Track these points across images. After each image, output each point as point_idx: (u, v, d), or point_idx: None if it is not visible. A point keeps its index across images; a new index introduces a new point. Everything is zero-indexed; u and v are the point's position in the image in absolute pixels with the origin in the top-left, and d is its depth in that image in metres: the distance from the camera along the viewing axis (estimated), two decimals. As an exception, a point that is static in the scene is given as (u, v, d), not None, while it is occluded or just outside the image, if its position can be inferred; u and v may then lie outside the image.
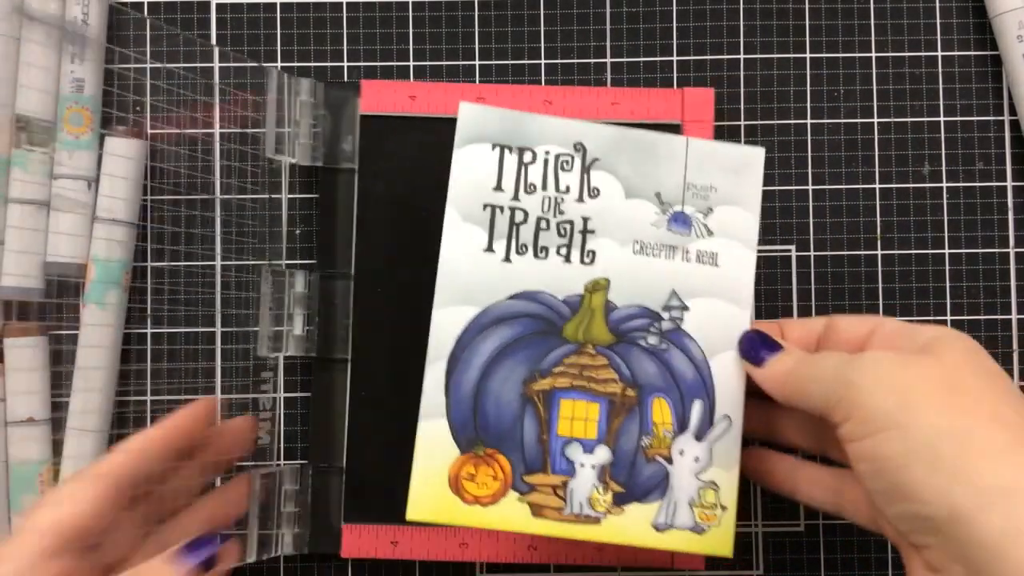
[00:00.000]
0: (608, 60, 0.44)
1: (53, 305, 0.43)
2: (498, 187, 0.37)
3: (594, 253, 0.37)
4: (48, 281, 0.43)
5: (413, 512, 0.36)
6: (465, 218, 0.37)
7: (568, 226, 0.37)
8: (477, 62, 0.44)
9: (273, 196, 0.43)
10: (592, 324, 0.37)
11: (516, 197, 0.37)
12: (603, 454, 0.37)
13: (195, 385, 0.44)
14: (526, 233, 0.37)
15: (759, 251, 0.44)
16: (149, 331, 0.44)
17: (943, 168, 0.44)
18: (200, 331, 0.44)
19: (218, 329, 0.44)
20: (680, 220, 0.37)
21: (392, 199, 0.43)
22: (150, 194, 0.44)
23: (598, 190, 0.38)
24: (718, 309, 0.37)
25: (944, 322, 0.44)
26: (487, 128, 0.38)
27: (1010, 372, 0.44)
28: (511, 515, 0.36)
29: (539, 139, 0.38)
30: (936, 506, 0.28)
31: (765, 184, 0.44)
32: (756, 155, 0.38)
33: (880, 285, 0.44)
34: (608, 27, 0.44)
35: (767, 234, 0.44)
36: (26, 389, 0.42)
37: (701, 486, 0.37)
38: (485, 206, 0.37)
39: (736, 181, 0.38)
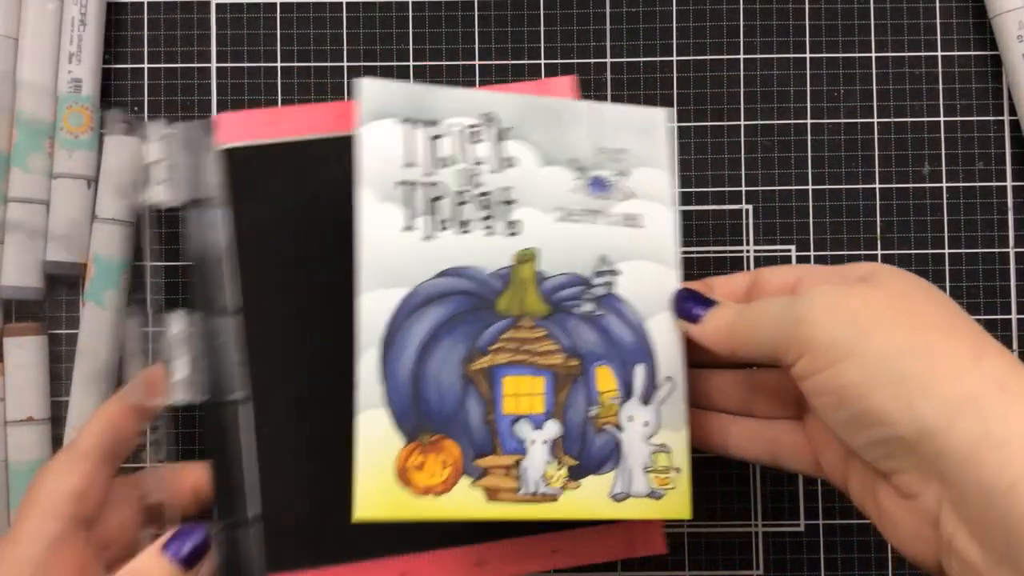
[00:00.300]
0: (608, 60, 0.44)
1: (52, 304, 0.43)
2: (410, 163, 0.36)
3: (518, 223, 0.36)
4: (47, 280, 0.43)
5: (361, 510, 0.33)
6: (380, 198, 0.35)
7: (488, 198, 0.36)
8: (477, 62, 0.44)
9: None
10: (525, 296, 0.36)
11: (430, 172, 0.36)
12: (553, 428, 0.35)
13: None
14: (445, 209, 0.36)
15: (756, 251, 0.44)
16: (149, 331, 0.44)
17: (943, 168, 0.44)
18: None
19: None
20: (598, 184, 0.37)
21: (277, 226, 0.39)
22: (149, 194, 0.44)
23: (514, 160, 0.36)
24: (647, 271, 0.37)
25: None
26: (391, 103, 0.36)
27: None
28: (465, 502, 0.34)
29: (446, 111, 0.36)
30: (904, 425, 0.28)
31: (765, 184, 0.44)
32: (657, 116, 0.38)
33: (880, 285, 0.44)
34: (608, 27, 0.44)
35: (767, 234, 0.44)
36: (26, 388, 0.42)
37: (653, 450, 0.36)
38: (398, 183, 0.35)
39: (645, 142, 0.37)
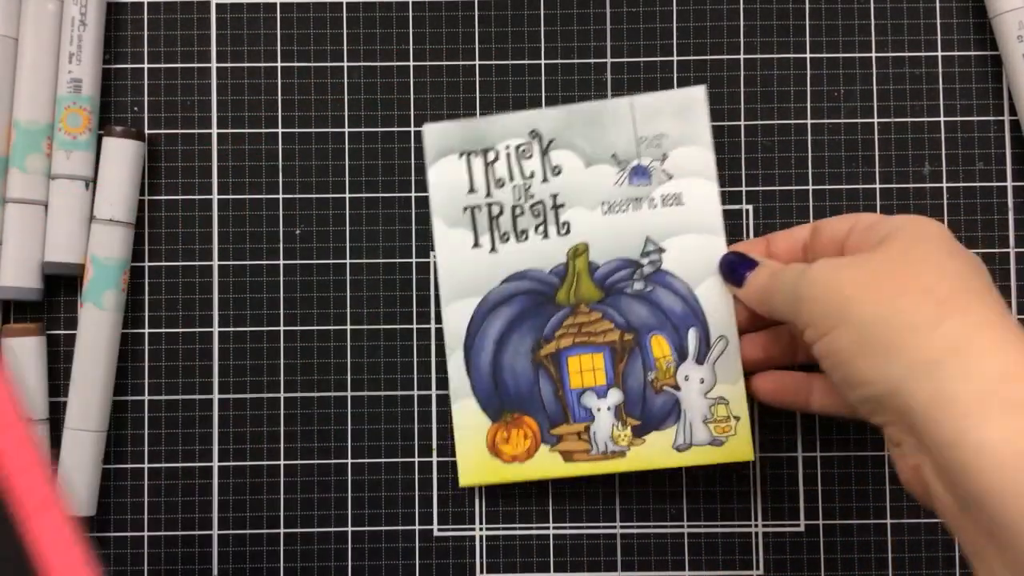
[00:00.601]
0: (608, 60, 0.44)
1: (51, 305, 0.43)
2: (471, 190, 0.42)
3: (568, 224, 0.41)
4: (46, 281, 0.43)
5: (464, 479, 0.41)
6: (450, 224, 0.42)
7: (540, 207, 0.41)
8: (477, 62, 0.44)
9: None
10: (580, 285, 0.41)
11: (489, 194, 0.41)
12: (615, 396, 0.41)
13: (192, 384, 0.43)
14: (505, 223, 0.41)
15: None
16: (147, 331, 0.44)
17: (943, 168, 0.44)
18: (197, 331, 0.44)
19: (215, 329, 0.44)
20: (639, 173, 0.41)
21: None
22: (147, 194, 0.44)
23: (559, 167, 0.41)
24: (693, 242, 0.41)
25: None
26: (452, 141, 0.42)
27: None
28: (546, 465, 0.41)
29: (498, 137, 0.42)
30: (879, 386, 0.31)
31: (765, 184, 0.44)
32: (698, 94, 0.41)
33: (880, 285, 0.44)
34: (608, 27, 0.44)
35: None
36: (24, 389, 0.42)
37: (711, 403, 0.41)
38: (464, 209, 0.41)
39: (684, 123, 0.41)
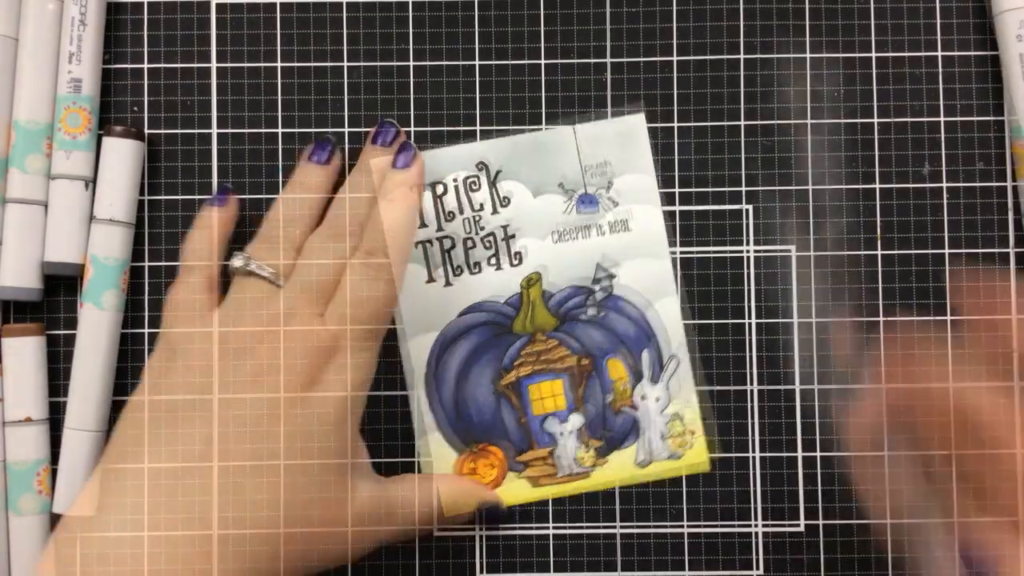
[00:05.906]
0: (608, 60, 0.44)
1: (51, 305, 0.43)
2: (422, 224, 0.42)
3: (520, 254, 0.42)
4: (46, 281, 0.43)
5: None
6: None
7: (491, 238, 0.42)
8: (477, 62, 0.44)
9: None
10: (536, 314, 0.42)
11: (440, 227, 0.42)
12: (576, 419, 0.42)
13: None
14: (457, 256, 0.42)
15: (756, 251, 0.44)
16: (147, 331, 0.44)
17: (943, 168, 0.44)
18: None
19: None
20: (586, 201, 0.42)
21: None
22: (147, 194, 0.44)
23: (508, 198, 0.42)
24: (641, 267, 0.42)
25: (944, 323, 0.44)
26: None
27: (1010, 373, 0.43)
28: (515, 491, 0.42)
29: (445, 170, 0.42)
30: None
31: (765, 184, 0.44)
32: (637, 122, 0.42)
33: (880, 285, 0.44)
34: (608, 27, 0.44)
35: (767, 234, 0.44)
36: (24, 389, 0.42)
37: (668, 420, 0.42)
38: (416, 244, 0.42)
39: (626, 150, 0.42)
